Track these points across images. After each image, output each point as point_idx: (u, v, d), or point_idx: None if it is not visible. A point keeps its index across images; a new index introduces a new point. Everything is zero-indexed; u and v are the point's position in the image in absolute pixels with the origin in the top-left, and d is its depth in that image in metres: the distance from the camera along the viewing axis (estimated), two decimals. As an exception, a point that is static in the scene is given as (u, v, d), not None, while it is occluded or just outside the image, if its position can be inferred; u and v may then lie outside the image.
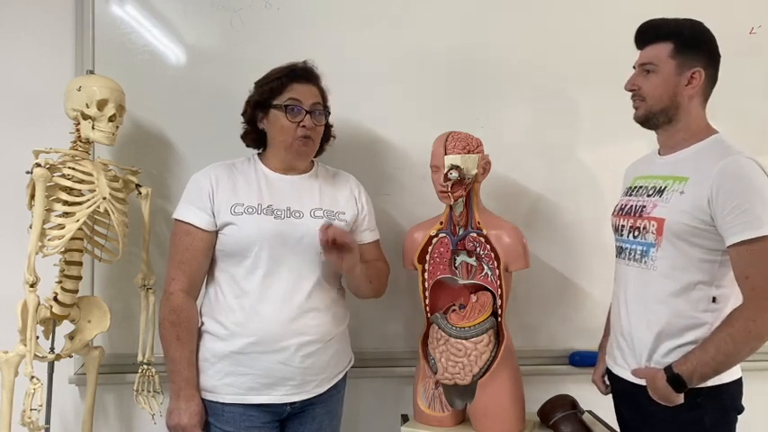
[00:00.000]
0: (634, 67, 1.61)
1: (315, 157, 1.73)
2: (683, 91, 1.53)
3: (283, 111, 1.60)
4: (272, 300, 1.55)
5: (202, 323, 1.62)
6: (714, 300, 1.48)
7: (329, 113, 1.70)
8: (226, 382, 1.56)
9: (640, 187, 1.63)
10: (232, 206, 1.58)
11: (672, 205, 1.50)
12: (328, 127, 1.73)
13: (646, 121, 1.59)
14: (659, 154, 1.65)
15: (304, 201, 1.63)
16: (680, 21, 1.56)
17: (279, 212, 1.59)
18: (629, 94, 1.63)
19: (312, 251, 1.58)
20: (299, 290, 1.57)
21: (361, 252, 1.67)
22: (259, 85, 1.66)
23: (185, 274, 1.57)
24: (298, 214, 1.60)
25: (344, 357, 1.72)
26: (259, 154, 1.71)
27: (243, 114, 1.69)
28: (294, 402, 1.59)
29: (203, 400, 1.56)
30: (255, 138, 1.69)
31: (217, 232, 1.59)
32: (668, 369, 1.47)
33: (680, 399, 1.47)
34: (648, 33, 1.57)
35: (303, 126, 1.60)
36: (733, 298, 1.48)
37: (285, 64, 1.66)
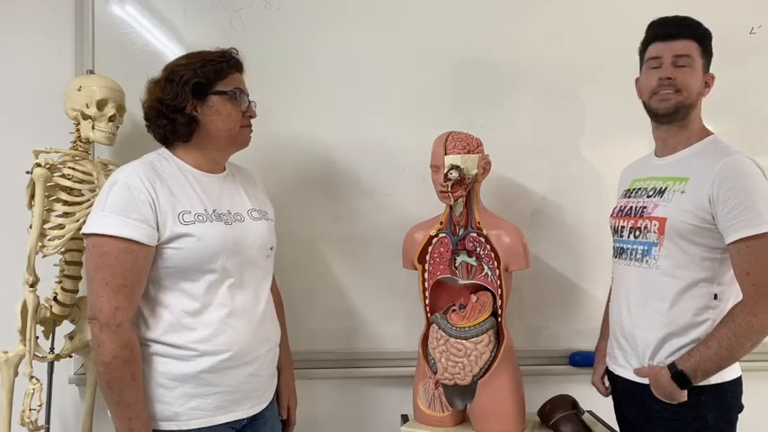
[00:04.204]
0: (656, 58, 1.56)
1: None
2: (702, 91, 1.57)
3: (230, 98, 1.47)
4: (241, 310, 1.45)
5: (145, 346, 1.40)
6: (715, 297, 1.50)
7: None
8: (191, 405, 1.40)
9: (639, 189, 1.64)
10: (179, 214, 1.39)
11: (673, 205, 1.51)
12: None
13: (673, 112, 1.55)
14: (656, 155, 1.66)
15: (237, 202, 1.53)
16: (701, 24, 1.57)
17: (225, 217, 1.46)
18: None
19: (262, 254, 1.53)
20: (260, 296, 1.51)
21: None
22: (194, 67, 1.45)
23: (129, 301, 1.33)
24: (239, 217, 1.50)
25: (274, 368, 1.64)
26: (169, 148, 1.51)
27: (171, 98, 1.44)
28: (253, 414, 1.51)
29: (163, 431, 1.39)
30: (187, 127, 1.45)
31: (157, 247, 1.37)
32: (672, 366, 1.48)
33: (684, 396, 1.48)
34: (679, 28, 1.55)
35: (249, 116, 1.52)
36: (733, 294, 1.50)
37: (213, 49, 1.51)
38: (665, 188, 1.55)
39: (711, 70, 1.60)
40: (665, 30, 1.57)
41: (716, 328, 1.47)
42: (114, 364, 1.32)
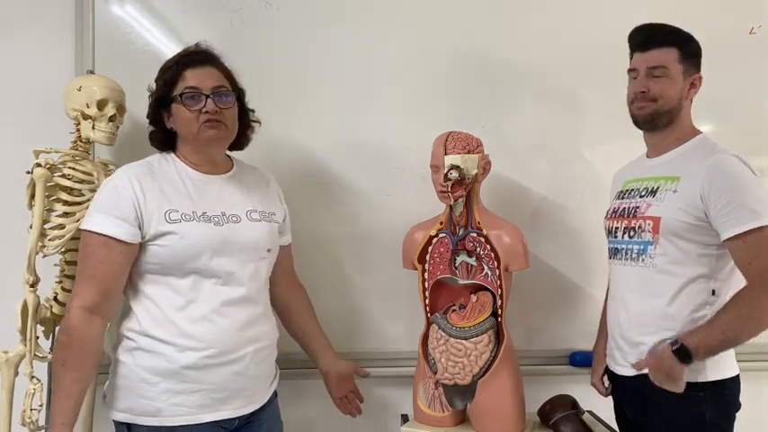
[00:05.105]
0: (633, 70, 1.62)
1: (240, 148, 1.62)
2: (686, 95, 1.59)
3: (181, 102, 1.46)
4: (226, 308, 1.46)
5: (131, 340, 1.44)
6: (713, 293, 1.52)
7: (242, 94, 1.57)
8: (174, 402, 1.41)
9: (632, 190, 1.66)
10: (166, 213, 1.43)
11: (666, 204, 1.54)
12: (245, 111, 1.59)
13: (651, 120, 1.60)
14: (648, 157, 1.69)
15: (236, 203, 1.53)
16: (679, 29, 1.60)
17: (216, 219, 1.47)
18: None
19: (255, 255, 1.52)
20: (248, 296, 1.50)
21: (280, 257, 1.65)
22: (156, 80, 1.52)
23: (94, 291, 1.39)
24: (235, 218, 1.50)
25: (274, 366, 1.65)
26: (175, 151, 1.56)
27: (147, 116, 1.55)
28: (244, 415, 1.51)
29: (145, 427, 1.41)
30: (163, 139, 1.54)
31: (141, 244, 1.43)
32: (674, 341, 1.47)
33: (683, 377, 1.45)
34: (655, 37, 1.59)
35: (206, 112, 1.45)
36: (731, 290, 1.52)
37: (179, 52, 1.54)
38: (657, 188, 1.58)
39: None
40: (641, 39, 1.61)
41: (721, 311, 1.47)
42: (55, 346, 1.42)
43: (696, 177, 1.50)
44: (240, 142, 1.61)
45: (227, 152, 1.61)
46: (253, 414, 1.54)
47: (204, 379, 1.43)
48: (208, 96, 1.46)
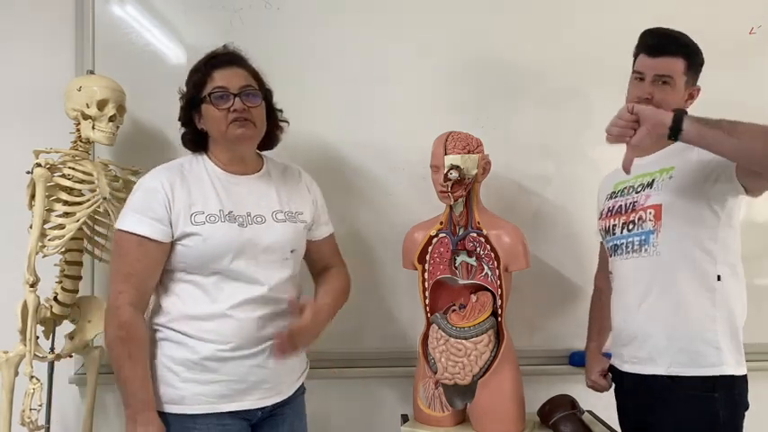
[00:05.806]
0: (640, 72, 1.60)
1: (269, 147, 1.65)
2: (684, 105, 1.60)
3: (210, 101, 1.49)
4: (246, 306, 1.48)
5: (158, 332, 1.50)
6: (719, 278, 1.53)
7: (269, 94, 1.60)
8: (196, 391, 1.46)
9: (625, 188, 1.68)
10: (192, 215, 1.47)
11: (664, 190, 1.56)
12: (273, 111, 1.62)
13: None
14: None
15: (262, 204, 1.55)
16: (690, 39, 1.60)
17: (241, 219, 1.50)
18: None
19: (278, 256, 1.54)
20: (270, 295, 1.51)
21: (319, 249, 1.68)
22: (186, 83, 1.56)
23: (134, 287, 1.45)
24: (260, 219, 1.53)
25: (304, 359, 1.67)
26: (206, 152, 1.58)
27: (179, 119, 1.58)
28: (266, 407, 1.53)
29: (169, 415, 1.46)
30: (194, 140, 1.57)
31: (172, 243, 1.47)
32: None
33: (668, 119, 1.37)
34: (667, 45, 1.58)
35: (234, 110, 1.48)
36: (735, 275, 1.54)
37: (211, 50, 1.57)
38: (653, 180, 1.60)
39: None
40: (652, 44, 1.60)
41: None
42: (112, 344, 1.45)
43: (691, 160, 1.52)
44: (269, 142, 1.63)
45: (258, 151, 1.63)
46: (276, 407, 1.55)
47: (224, 370, 1.47)
48: (236, 95, 1.49)
